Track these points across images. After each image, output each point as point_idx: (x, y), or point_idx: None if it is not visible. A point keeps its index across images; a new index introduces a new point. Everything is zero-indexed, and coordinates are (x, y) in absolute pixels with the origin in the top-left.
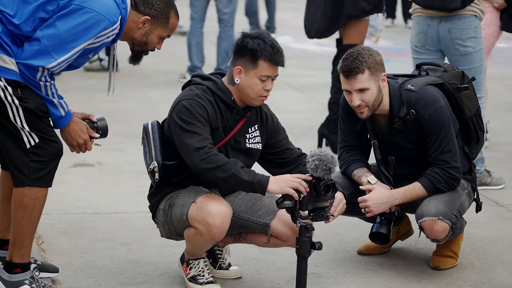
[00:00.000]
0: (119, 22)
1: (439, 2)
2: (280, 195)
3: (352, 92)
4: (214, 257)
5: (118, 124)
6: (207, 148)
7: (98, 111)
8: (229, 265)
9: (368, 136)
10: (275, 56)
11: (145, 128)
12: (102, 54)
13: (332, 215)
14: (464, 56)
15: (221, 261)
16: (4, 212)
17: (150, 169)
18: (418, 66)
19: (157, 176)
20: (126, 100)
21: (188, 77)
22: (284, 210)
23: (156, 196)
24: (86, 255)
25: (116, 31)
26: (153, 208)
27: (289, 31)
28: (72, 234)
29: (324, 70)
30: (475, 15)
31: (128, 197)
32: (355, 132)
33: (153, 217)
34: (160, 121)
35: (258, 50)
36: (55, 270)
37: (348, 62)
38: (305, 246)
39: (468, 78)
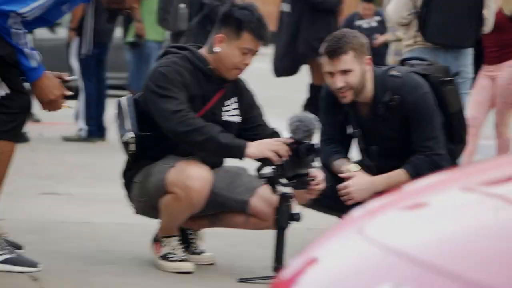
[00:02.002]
0: None
1: (457, 41)
2: (260, 163)
3: (335, 73)
4: (186, 241)
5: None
6: (184, 111)
7: None
8: (202, 251)
9: (351, 126)
10: (261, 30)
11: (119, 103)
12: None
13: (312, 180)
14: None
15: (194, 246)
16: None
17: (124, 140)
18: (402, 61)
19: (132, 147)
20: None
21: None
22: (264, 186)
23: (130, 171)
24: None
25: None
26: (128, 184)
27: None
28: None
29: None
30: (472, 48)
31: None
32: (337, 123)
33: (128, 194)
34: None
35: (245, 21)
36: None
37: (332, 43)
38: (283, 215)
39: (452, 74)
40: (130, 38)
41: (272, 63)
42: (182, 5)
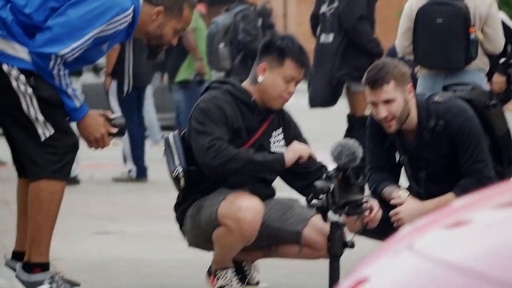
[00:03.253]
0: (131, 9)
1: (443, 63)
2: (311, 194)
3: (378, 103)
4: (242, 273)
5: None
6: (217, 145)
7: None
8: (258, 282)
9: (398, 154)
10: (303, 58)
11: (167, 140)
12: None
13: (367, 209)
14: None
15: (249, 278)
16: (21, 223)
17: (174, 175)
18: (445, 88)
19: (182, 182)
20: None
21: None
22: (316, 216)
23: (182, 204)
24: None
25: (129, 18)
26: (180, 217)
27: None
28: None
29: None
30: (479, 69)
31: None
32: (383, 152)
33: (180, 227)
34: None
35: (286, 49)
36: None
37: (373, 73)
38: (336, 243)
39: (497, 98)
40: (182, 77)
41: (309, 93)
42: (221, 45)
